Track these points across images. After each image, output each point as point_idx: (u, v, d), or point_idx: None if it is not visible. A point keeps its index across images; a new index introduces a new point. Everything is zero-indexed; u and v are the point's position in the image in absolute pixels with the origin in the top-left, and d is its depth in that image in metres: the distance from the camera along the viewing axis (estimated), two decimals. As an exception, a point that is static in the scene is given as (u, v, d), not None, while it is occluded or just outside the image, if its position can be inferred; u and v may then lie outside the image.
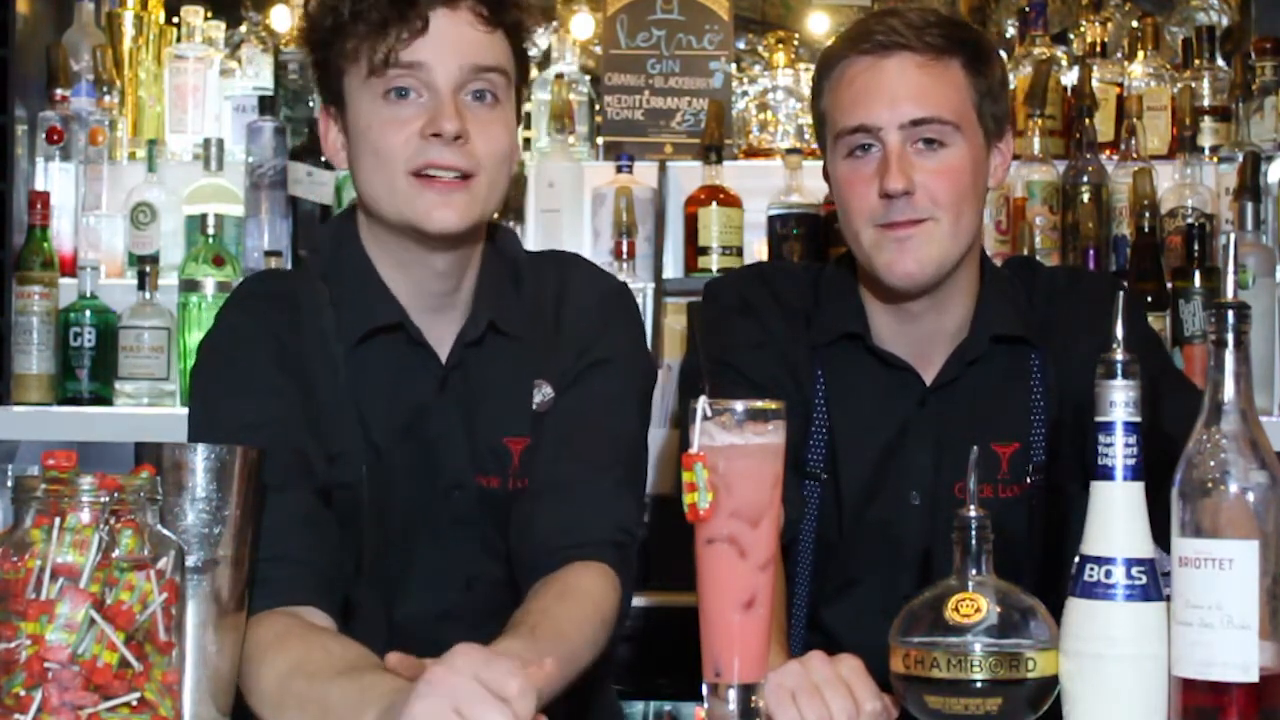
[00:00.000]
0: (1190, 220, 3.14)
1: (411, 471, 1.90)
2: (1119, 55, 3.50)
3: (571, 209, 3.39)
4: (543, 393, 1.92)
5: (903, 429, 1.99)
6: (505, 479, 1.90)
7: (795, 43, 3.66)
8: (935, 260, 1.90)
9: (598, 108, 3.53)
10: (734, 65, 3.55)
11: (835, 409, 2.00)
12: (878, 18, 1.94)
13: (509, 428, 1.91)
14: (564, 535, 1.81)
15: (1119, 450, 1.37)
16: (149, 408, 3.22)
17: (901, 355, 1.99)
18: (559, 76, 3.47)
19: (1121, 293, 1.42)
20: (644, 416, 1.99)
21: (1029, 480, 1.97)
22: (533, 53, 3.74)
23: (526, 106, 3.54)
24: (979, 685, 1.44)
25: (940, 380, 1.98)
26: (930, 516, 1.97)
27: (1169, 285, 3.07)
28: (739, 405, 1.40)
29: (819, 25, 3.75)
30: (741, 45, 3.66)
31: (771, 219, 3.29)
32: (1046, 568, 1.99)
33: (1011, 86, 3.41)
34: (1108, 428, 1.37)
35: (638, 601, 2.88)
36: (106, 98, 3.44)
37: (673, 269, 3.38)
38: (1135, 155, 3.27)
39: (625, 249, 3.28)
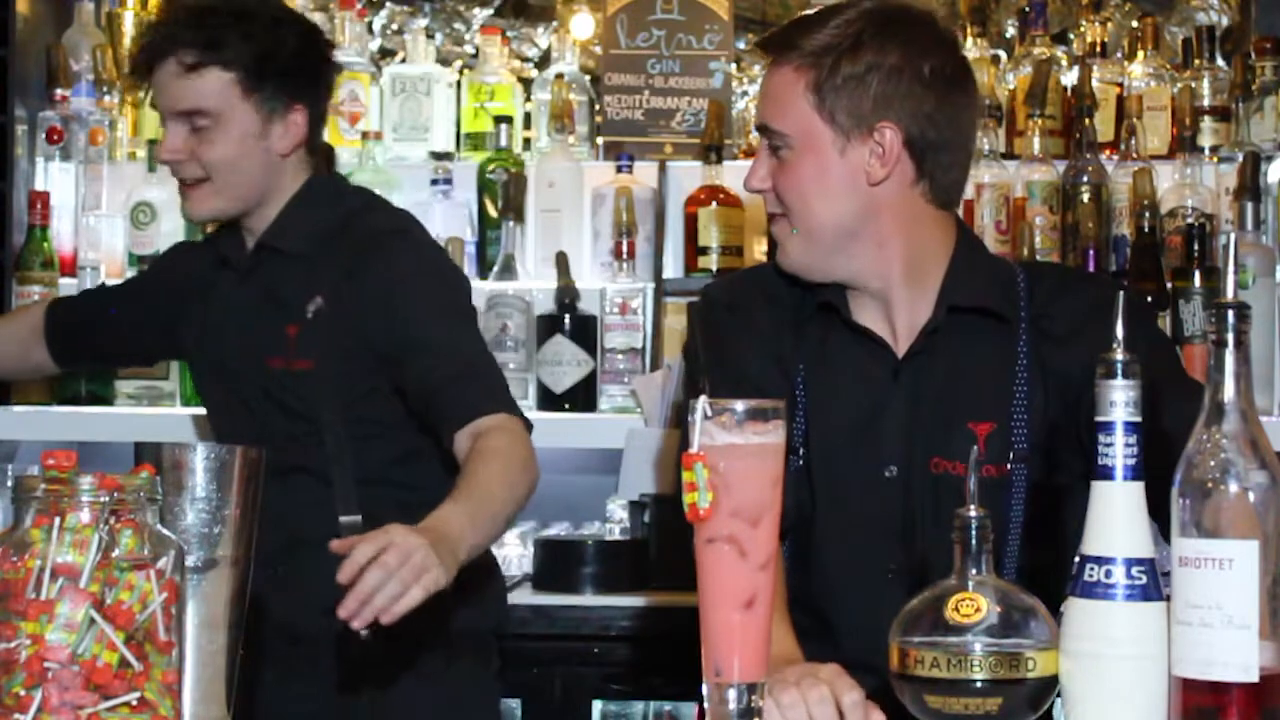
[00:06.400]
0: (1190, 220, 3.14)
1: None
2: (1119, 55, 3.50)
3: (571, 209, 3.39)
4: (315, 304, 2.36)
5: (876, 402, 2.00)
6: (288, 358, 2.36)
7: (795, 43, 3.65)
8: (795, 258, 2.00)
9: (598, 108, 3.53)
10: (734, 65, 3.55)
11: (811, 381, 2.01)
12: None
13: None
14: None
15: (1119, 450, 1.37)
16: (149, 408, 3.22)
17: (879, 332, 2.00)
18: (559, 76, 3.47)
19: (1123, 293, 1.42)
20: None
21: (1009, 466, 1.97)
22: (532, 53, 3.76)
23: (526, 106, 3.55)
24: (979, 685, 1.43)
25: (909, 352, 1.99)
26: (905, 489, 1.97)
27: (1169, 285, 3.08)
28: (739, 405, 1.40)
29: (819, 25, 3.75)
30: (741, 45, 3.66)
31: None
32: (1036, 560, 1.98)
33: (1011, 86, 3.42)
34: (1108, 428, 1.37)
35: (637, 601, 2.89)
36: (106, 98, 3.44)
37: (673, 269, 3.38)
38: (1135, 155, 3.27)
39: (625, 249, 3.28)
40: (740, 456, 1.39)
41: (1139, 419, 1.38)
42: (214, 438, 2.56)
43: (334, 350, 2.35)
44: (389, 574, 1.91)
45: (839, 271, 1.99)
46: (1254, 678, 1.32)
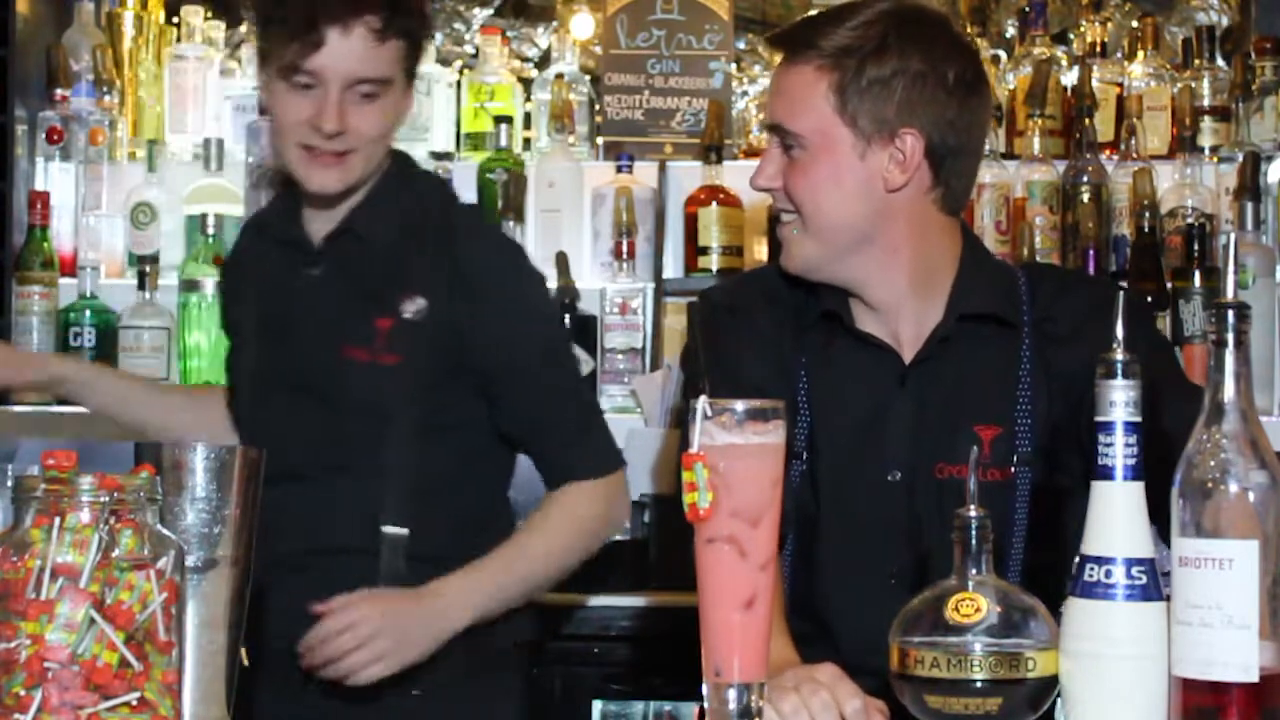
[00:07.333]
0: (1190, 220, 3.14)
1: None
2: (1119, 55, 3.50)
3: (571, 209, 3.39)
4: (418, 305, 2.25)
5: (882, 406, 1.99)
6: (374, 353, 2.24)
7: (795, 43, 3.66)
8: (802, 258, 1.98)
9: (598, 108, 3.53)
10: (734, 65, 3.55)
11: (815, 386, 2.01)
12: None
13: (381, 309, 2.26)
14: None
15: (1119, 450, 1.37)
16: (149, 408, 3.21)
17: (883, 338, 2.00)
18: (559, 76, 3.47)
19: (1122, 294, 1.42)
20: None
21: (1013, 470, 1.97)
22: (532, 53, 3.76)
23: (526, 106, 3.55)
24: (979, 685, 1.44)
25: (917, 358, 1.98)
26: (909, 493, 1.97)
27: (1169, 285, 3.08)
28: (739, 405, 1.40)
29: (819, 25, 3.75)
30: (741, 45, 3.66)
31: (772, 219, 3.29)
32: (1037, 563, 1.98)
33: (1011, 86, 3.42)
34: (1108, 428, 1.37)
35: (638, 601, 2.89)
36: (106, 98, 3.44)
37: (673, 269, 3.38)
38: (1135, 155, 3.27)
39: (625, 249, 3.28)
40: (740, 456, 1.39)
41: (1139, 419, 1.38)
42: (232, 418, 2.43)
43: (427, 351, 2.24)
44: (359, 643, 2.12)
45: (846, 273, 1.98)
46: (1254, 678, 1.32)
